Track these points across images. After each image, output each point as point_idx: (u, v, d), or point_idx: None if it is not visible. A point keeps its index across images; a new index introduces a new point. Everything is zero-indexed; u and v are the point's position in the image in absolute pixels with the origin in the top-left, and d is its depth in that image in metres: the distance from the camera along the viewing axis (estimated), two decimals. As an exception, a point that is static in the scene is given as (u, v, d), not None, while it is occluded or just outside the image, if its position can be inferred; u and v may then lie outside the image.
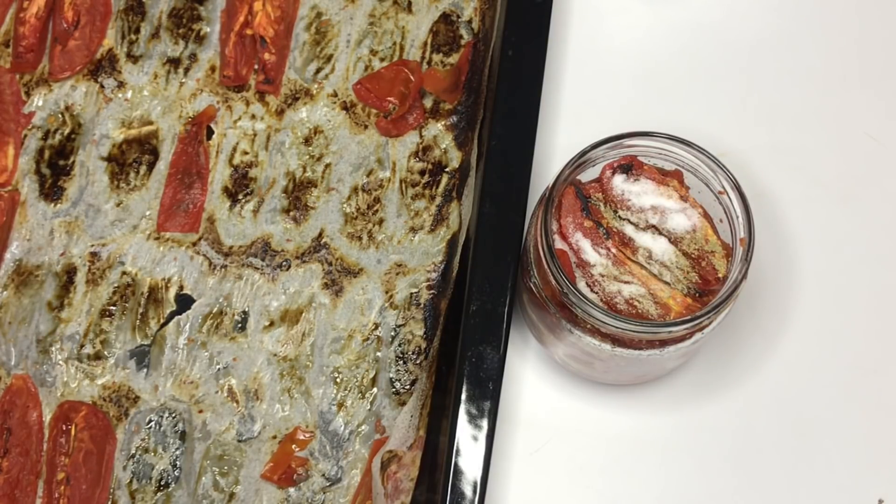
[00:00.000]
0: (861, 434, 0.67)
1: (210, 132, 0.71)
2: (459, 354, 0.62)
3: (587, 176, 0.61)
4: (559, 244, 0.59)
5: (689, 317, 0.56)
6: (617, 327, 0.56)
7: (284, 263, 0.69)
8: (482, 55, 0.71)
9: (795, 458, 0.66)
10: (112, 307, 0.68)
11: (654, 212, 0.59)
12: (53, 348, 0.68)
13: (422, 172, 0.70)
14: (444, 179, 0.70)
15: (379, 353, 0.67)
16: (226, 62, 0.72)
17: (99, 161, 0.71)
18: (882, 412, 0.67)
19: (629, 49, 0.74)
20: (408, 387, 0.66)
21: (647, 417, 0.67)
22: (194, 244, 0.69)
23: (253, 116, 0.71)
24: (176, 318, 0.68)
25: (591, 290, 0.58)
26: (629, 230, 0.59)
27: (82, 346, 0.68)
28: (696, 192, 0.60)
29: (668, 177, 0.60)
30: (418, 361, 0.67)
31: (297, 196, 0.70)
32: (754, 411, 0.67)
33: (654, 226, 0.59)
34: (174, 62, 0.73)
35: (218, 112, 0.72)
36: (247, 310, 0.68)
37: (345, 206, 0.70)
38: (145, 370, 0.67)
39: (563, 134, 0.72)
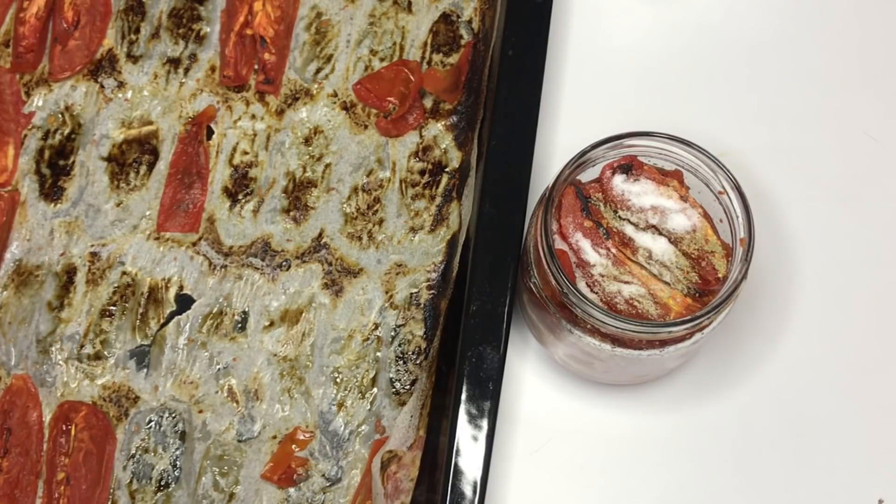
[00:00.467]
0: (861, 434, 0.67)
1: (210, 132, 0.71)
2: (459, 354, 0.62)
3: (587, 176, 0.61)
4: (559, 244, 0.59)
5: (689, 317, 0.56)
6: (617, 327, 0.56)
7: (284, 263, 0.69)
8: (482, 55, 0.71)
9: (795, 458, 0.66)
10: (112, 307, 0.68)
11: (654, 212, 0.59)
12: (53, 348, 0.68)
13: (422, 172, 0.70)
14: (444, 179, 0.70)
15: (379, 353, 0.67)
16: (226, 62, 0.72)
17: (99, 161, 0.71)
18: (882, 412, 0.67)
19: (629, 49, 0.74)
20: (408, 387, 0.66)
21: (647, 417, 0.67)
22: (194, 244, 0.69)
23: (253, 116, 0.71)
24: (176, 318, 0.68)
25: (591, 290, 0.58)
26: (629, 230, 0.59)
27: (82, 346, 0.68)
28: (696, 192, 0.60)
29: (668, 177, 0.60)
30: (418, 361, 0.67)
31: (297, 196, 0.70)
32: (754, 411, 0.67)
33: (654, 226, 0.59)
34: (174, 62, 0.73)
35: (218, 112, 0.72)
36: (247, 310, 0.68)
37: (345, 206, 0.70)
38: (145, 370, 0.67)
39: (563, 134, 0.72)
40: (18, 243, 0.70)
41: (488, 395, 0.61)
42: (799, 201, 0.71)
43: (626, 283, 0.58)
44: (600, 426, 0.67)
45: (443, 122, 0.71)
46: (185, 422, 0.66)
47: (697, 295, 0.58)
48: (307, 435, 0.66)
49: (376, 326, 0.67)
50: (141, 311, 0.68)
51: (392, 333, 0.67)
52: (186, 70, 0.72)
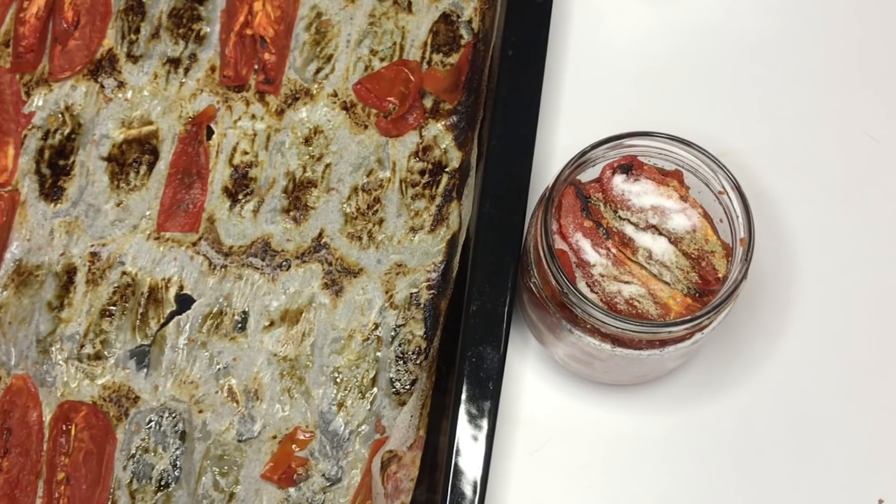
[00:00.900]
0: (861, 434, 0.67)
1: (210, 132, 0.71)
2: (459, 354, 0.62)
3: (587, 176, 0.60)
4: (559, 244, 0.59)
5: (689, 317, 0.56)
6: (617, 327, 0.56)
7: (284, 263, 0.69)
8: (482, 55, 0.71)
9: (795, 458, 0.66)
10: (112, 307, 0.68)
11: (654, 212, 0.59)
12: (53, 348, 0.68)
13: (422, 172, 0.70)
14: (444, 179, 0.70)
15: (379, 353, 0.67)
16: (226, 62, 0.72)
17: (99, 161, 0.71)
18: (882, 412, 0.67)
19: (629, 49, 0.74)
20: (408, 387, 0.66)
21: (647, 417, 0.67)
22: (194, 244, 0.69)
23: (253, 116, 0.71)
24: (176, 318, 0.68)
25: (591, 290, 0.58)
26: (629, 230, 0.59)
27: (82, 346, 0.68)
28: (696, 192, 0.60)
29: (668, 177, 0.60)
30: (418, 361, 0.67)
31: (297, 196, 0.70)
32: (754, 411, 0.67)
33: (654, 226, 0.59)
34: (174, 62, 0.73)
35: (218, 112, 0.72)
36: (247, 310, 0.68)
37: (345, 206, 0.70)
38: (145, 370, 0.67)
39: (563, 134, 0.72)
40: (18, 243, 0.70)
41: (488, 395, 0.61)
42: (799, 201, 0.71)
43: (626, 283, 0.58)
44: (600, 426, 0.67)
45: (443, 122, 0.71)
46: (185, 422, 0.66)
47: (697, 295, 0.58)
48: (307, 435, 0.66)
49: (376, 326, 0.67)
50: (141, 311, 0.68)
51: (392, 333, 0.67)
52: (186, 70, 0.72)
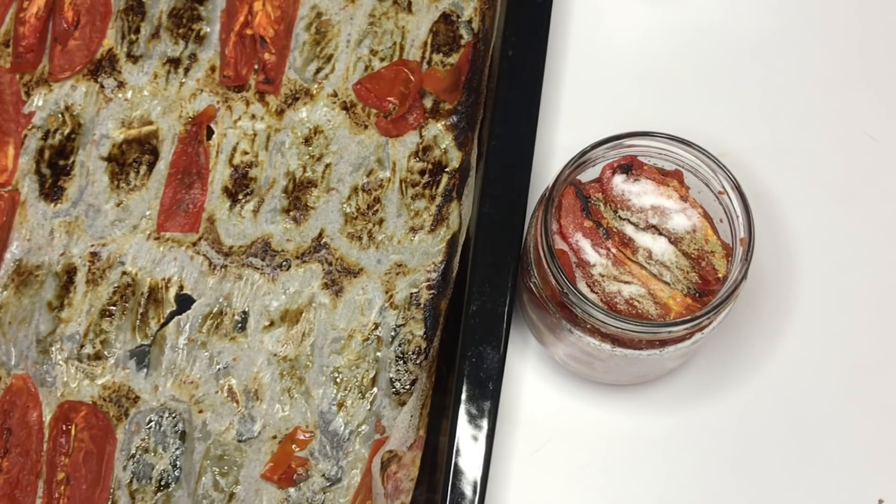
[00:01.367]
0: (861, 434, 0.67)
1: (210, 132, 0.71)
2: (459, 354, 0.62)
3: (587, 176, 0.61)
4: (559, 244, 0.59)
5: (689, 317, 0.56)
6: (617, 327, 0.56)
7: (284, 263, 0.69)
8: (482, 55, 0.71)
9: (795, 457, 0.66)
10: (112, 307, 0.68)
11: (654, 212, 0.59)
12: (53, 348, 0.68)
13: (422, 172, 0.70)
14: (444, 179, 0.70)
15: (379, 353, 0.67)
16: (226, 62, 0.72)
17: (99, 161, 0.71)
18: (882, 412, 0.67)
19: (629, 49, 0.74)
20: (408, 387, 0.66)
21: (647, 417, 0.67)
22: (194, 244, 0.69)
23: (253, 116, 0.71)
24: (176, 318, 0.68)
25: (591, 290, 0.58)
26: (629, 230, 0.59)
27: (82, 346, 0.68)
28: (696, 192, 0.60)
29: (668, 177, 0.60)
30: (418, 361, 0.67)
31: (297, 196, 0.70)
32: (754, 411, 0.67)
33: (654, 226, 0.59)
34: (174, 62, 0.73)
35: (218, 112, 0.72)
36: (247, 310, 0.68)
37: (345, 206, 0.70)
38: (145, 370, 0.67)
39: (563, 134, 0.72)
40: (18, 243, 0.70)
41: (488, 395, 0.61)
42: (799, 201, 0.71)
43: (626, 283, 0.58)
44: (600, 426, 0.67)
45: (443, 122, 0.71)
46: (185, 422, 0.66)
47: (697, 295, 0.58)
48: (307, 435, 0.66)
49: (376, 326, 0.67)
50: (141, 311, 0.68)
51: (392, 333, 0.67)
52: (186, 70, 0.72)
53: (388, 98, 0.71)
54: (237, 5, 0.73)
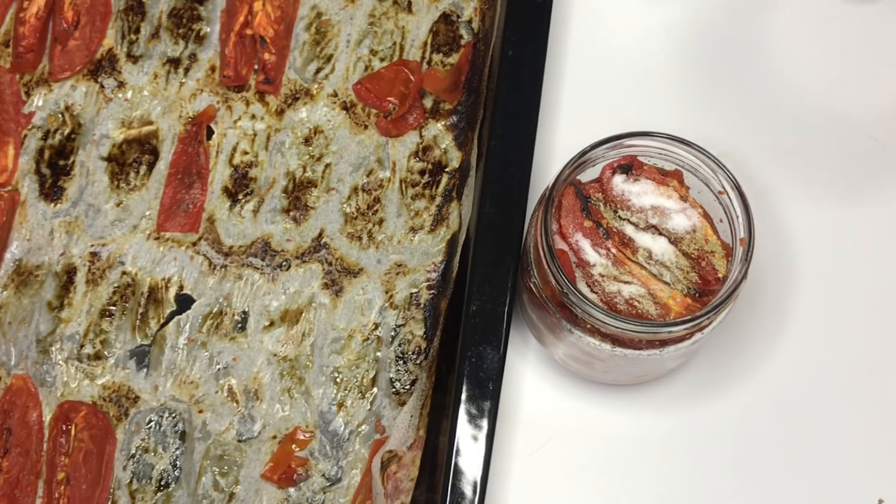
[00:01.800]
0: (861, 434, 0.67)
1: (210, 132, 0.71)
2: (459, 354, 0.62)
3: (587, 176, 0.61)
4: (559, 244, 0.59)
5: (689, 317, 0.56)
6: (617, 327, 0.56)
7: (284, 263, 0.69)
8: (482, 55, 0.71)
9: (795, 457, 0.66)
10: (112, 307, 0.68)
11: (654, 212, 0.59)
12: (53, 348, 0.68)
13: (422, 172, 0.70)
14: (444, 179, 0.70)
15: (379, 353, 0.67)
16: (226, 62, 0.72)
17: (99, 161, 0.71)
18: (882, 412, 0.67)
19: (629, 49, 0.74)
20: (408, 387, 0.66)
21: (647, 417, 0.67)
22: (194, 244, 0.69)
23: (253, 116, 0.71)
24: (176, 318, 0.68)
25: (591, 290, 0.58)
26: (629, 230, 0.59)
27: (82, 346, 0.68)
28: (696, 192, 0.60)
29: (668, 177, 0.60)
30: (418, 361, 0.67)
31: (297, 196, 0.70)
32: (754, 411, 0.67)
33: (654, 226, 0.59)
34: (174, 62, 0.73)
35: (218, 112, 0.72)
36: (247, 310, 0.68)
37: (345, 206, 0.70)
38: (145, 370, 0.67)
39: (563, 134, 0.72)
40: (18, 243, 0.70)
41: (488, 395, 0.61)
42: (799, 201, 0.71)
43: (626, 283, 0.58)
44: (600, 426, 0.67)
45: (443, 122, 0.71)
46: (185, 422, 0.66)
47: (697, 295, 0.58)
48: (307, 435, 0.66)
49: (376, 326, 0.67)
50: (141, 311, 0.68)
51: (392, 333, 0.67)
52: (186, 70, 0.72)
53: (388, 98, 0.71)
54: (237, 5, 0.73)
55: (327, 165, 0.70)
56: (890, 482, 0.66)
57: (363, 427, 0.66)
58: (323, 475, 0.65)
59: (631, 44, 0.74)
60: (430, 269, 0.68)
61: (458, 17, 0.73)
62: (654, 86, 0.74)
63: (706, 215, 0.59)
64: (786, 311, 0.69)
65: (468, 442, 0.60)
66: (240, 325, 0.68)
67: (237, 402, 0.67)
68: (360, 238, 0.69)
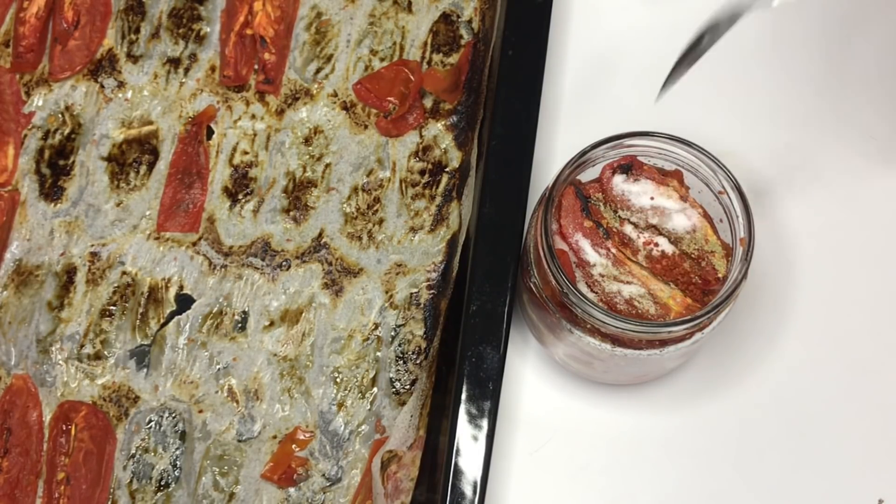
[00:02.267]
0: (861, 434, 0.67)
1: (210, 132, 0.71)
2: (459, 354, 0.62)
3: (587, 176, 0.61)
4: (559, 244, 0.59)
5: (689, 317, 0.56)
6: (617, 327, 0.56)
7: (284, 263, 0.69)
8: (482, 55, 0.71)
9: (795, 457, 0.66)
10: (112, 307, 0.68)
11: (654, 212, 0.59)
12: (53, 348, 0.68)
13: (422, 172, 0.70)
14: (444, 179, 0.70)
15: (379, 353, 0.67)
16: (226, 62, 0.72)
17: (99, 161, 0.71)
18: (882, 412, 0.67)
19: (629, 49, 0.74)
20: (408, 387, 0.66)
21: (647, 417, 0.67)
22: (194, 244, 0.69)
23: (253, 116, 0.71)
24: (176, 318, 0.68)
25: (591, 290, 0.58)
26: (629, 230, 0.59)
27: (82, 346, 0.68)
28: (696, 192, 0.60)
29: (668, 177, 0.60)
30: (418, 361, 0.67)
31: (297, 196, 0.70)
32: (754, 411, 0.67)
33: (654, 226, 0.59)
34: (174, 62, 0.73)
35: (218, 112, 0.72)
36: (247, 310, 0.68)
37: (345, 205, 0.70)
38: (145, 370, 0.67)
39: (563, 134, 0.72)
40: (18, 243, 0.70)
41: (488, 395, 0.61)
42: (799, 201, 0.71)
43: (626, 283, 0.58)
44: (600, 426, 0.67)
45: (443, 122, 0.71)
46: (185, 422, 0.66)
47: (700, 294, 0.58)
48: (307, 435, 0.66)
49: (376, 326, 0.67)
50: (141, 310, 0.68)
51: (392, 333, 0.67)
52: (186, 70, 0.72)
53: (388, 98, 0.71)
54: (237, 5, 0.73)
55: (327, 165, 0.70)
56: (890, 482, 0.66)
57: (363, 427, 0.66)
58: (323, 475, 0.65)
59: (631, 43, 0.74)
60: (430, 269, 0.68)
61: (458, 17, 0.73)
62: (654, 85, 0.73)
63: (706, 215, 0.59)
64: (786, 311, 0.69)
65: (468, 442, 0.60)
66: (240, 325, 0.68)
67: (237, 402, 0.67)
68: (360, 238, 0.69)
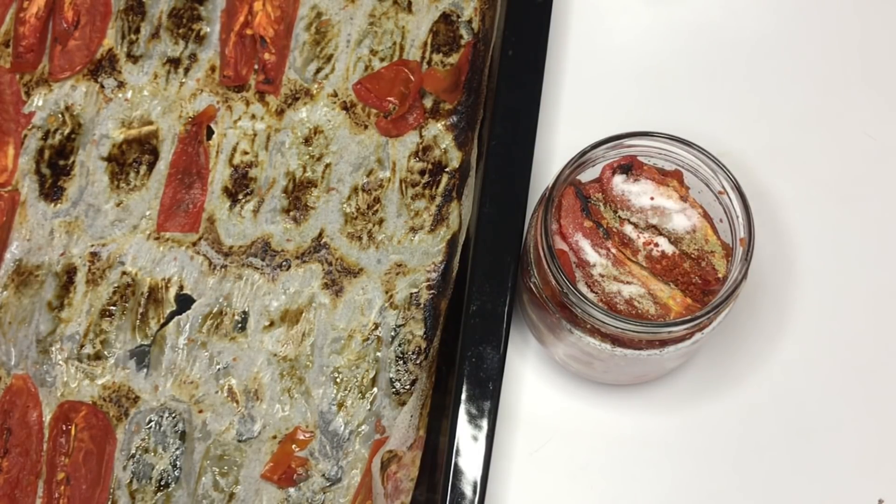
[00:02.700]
0: (861, 434, 0.67)
1: (210, 132, 0.71)
2: (459, 354, 0.62)
3: (587, 176, 0.61)
4: (559, 244, 0.59)
5: (689, 317, 0.56)
6: (617, 327, 0.56)
7: (284, 263, 0.69)
8: (482, 55, 0.71)
9: (795, 457, 0.66)
10: (112, 307, 0.68)
11: (654, 212, 0.59)
12: (53, 348, 0.68)
13: (422, 172, 0.70)
14: (444, 179, 0.70)
15: (379, 353, 0.67)
16: (226, 62, 0.72)
17: (99, 161, 0.71)
18: (882, 412, 0.67)
19: (629, 49, 0.74)
20: (408, 387, 0.66)
21: (647, 417, 0.67)
22: (194, 244, 0.69)
23: (253, 116, 0.72)
24: (176, 318, 0.68)
25: (591, 290, 0.58)
26: (629, 230, 0.59)
27: (82, 346, 0.68)
28: (696, 192, 0.60)
29: (668, 177, 0.60)
30: (418, 361, 0.67)
31: (297, 196, 0.70)
32: (754, 411, 0.67)
33: (654, 226, 0.59)
34: (174, 62, 0.73)
35: (218, 112, 0.72)
36: (247, 310, 0.68)
37: (345, 206, 0.70)
38: (145, 370, 0.67)
39: (563, 134, 0.72)
40: (18, 243, 0.70)
41: (488, 395, 0.61)
42: (799, 201, 0.71)
43: (626, 283, 0.58)
44: (600, 426, 0.67)
45: (443, 122, 0.71)
46: (185, 422, 0.66)
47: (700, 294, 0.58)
48: (307, 435, 0.66)
49: (376, 326, 0.67)
50: (141, 311, 0.68)
51: (392, 333, 0.67)
52: (186, 70, 0.72)
53: (388, 98, 0.71)
54: (237, 5, 0.73)
55: (327, 165, 0.70)
56: (890, 482, 0.66)
57: (363, 427, 0.66)
58: (323, 475, 0.65)
59: (631, 43, 0.74)
60: (430, 269, 0.68)
61: (458, 17, 0.73)
62: (654, 85, 0.74)
63: (706, 215, 0.59)
64: (786, 311, 0.69)
65: (468, 442, 0.60)
66: (240, 325, 0.68)
67: (237, 402, 0.67)
68: (360, 238, 0.69)
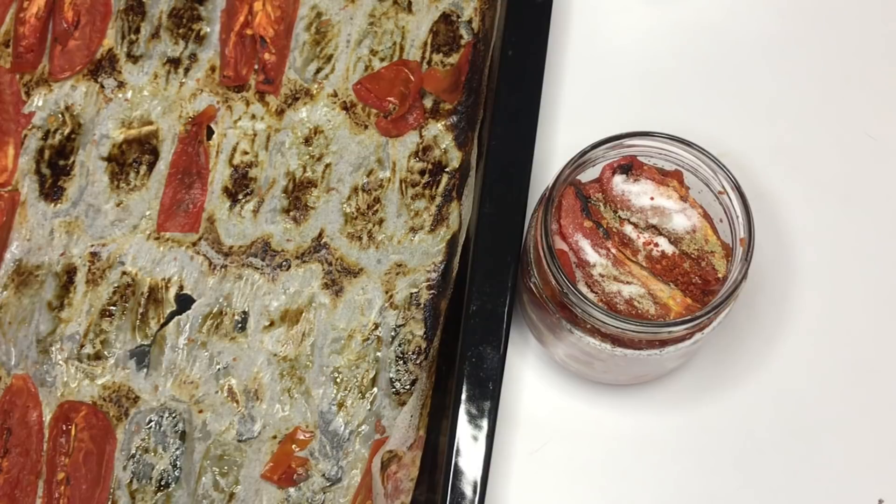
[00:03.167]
0: (861, 434, 0.67)
1: (210, 132, 0.71)
2: (459, 354, 0.62)
3: (587, 176, 0.61)
4: (559, 244, 0.59)
5: (689, 317, 0.56)
6: (617, 327, 0.56)
7: (284, 263, 0.69)
8: (482, 55, 0.71)
9: (795, 457, 0.66)
10: (112, 307, 0.68)
11: (654, 212, 0.59)
12: (53, 348, 0.68)
13: (422, 172, 0.70)
14: (444, 179, 0.70)
15: (379, 353, 0.67)
16: (226, 62, 0.72)
17: (99, 161, 0.71)
18: (882, 412, 0.67)
19: (629, 49, 0.74)
20: (408, 387, 0.66)
21: (647, 417, 0.67)
22: (194, 244, 0.69)
23: (253, 116, 0.71)
24: (176, 318, 0.68)
25: (591, 290, 0.58)
26: (629, 230, 0.59)
27: (82, 346, 0.68)
28: (696, 192, 0.60)
29: (668, 177, 0.60)
30: (418, 361, 0.67)
31: (297, 196, 0.70)
32: (754, 411, 0.67)
33: (654, 226, 0.59)
34: (174, 62, 0.73)
35: (218, 112, 0.72)
36: (247, 310, 0.68)
37: (345, 206, 0.70)
38: (145, 370, 0.67)
39: (563, 134, 0.72)
40: (18, 243, 0.70)
41: (488, 395, 0.61)
42: (799, 201, 0.71)
43: (626, 283, 0.58)
44: (600, 426, 0.67)
45: (443, 122, 0.71)
46: (185, 422, 0.66)
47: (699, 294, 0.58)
48: (307, 435, 0.66)
49: (376, 326, 0.67)
50: (141, 311, 0.68)
51: (392, 333, 0.67)
52: (186, 70, 0.72)
53: (388, 98, 0.71)
54: (237, 5, 0.73)
55: (327, 165, 0.70)
56: (890, 482, 0.66)
57: (363, 427, 0.66)
58: (323, 475, 0.65)
59: (631, 43, 0.74)
60: (430, 269, 0.68)
61: (458, 17, 0.73)
62: (654, 86, 0.73)
63: (706, 215, 0.59)
64: (785, 311, 0.69)
65: (468, 442, 0.60)
66: (240, 325, 0.68)
67: (237, 402, 0.67)
68: (360, 238, 0.69)
